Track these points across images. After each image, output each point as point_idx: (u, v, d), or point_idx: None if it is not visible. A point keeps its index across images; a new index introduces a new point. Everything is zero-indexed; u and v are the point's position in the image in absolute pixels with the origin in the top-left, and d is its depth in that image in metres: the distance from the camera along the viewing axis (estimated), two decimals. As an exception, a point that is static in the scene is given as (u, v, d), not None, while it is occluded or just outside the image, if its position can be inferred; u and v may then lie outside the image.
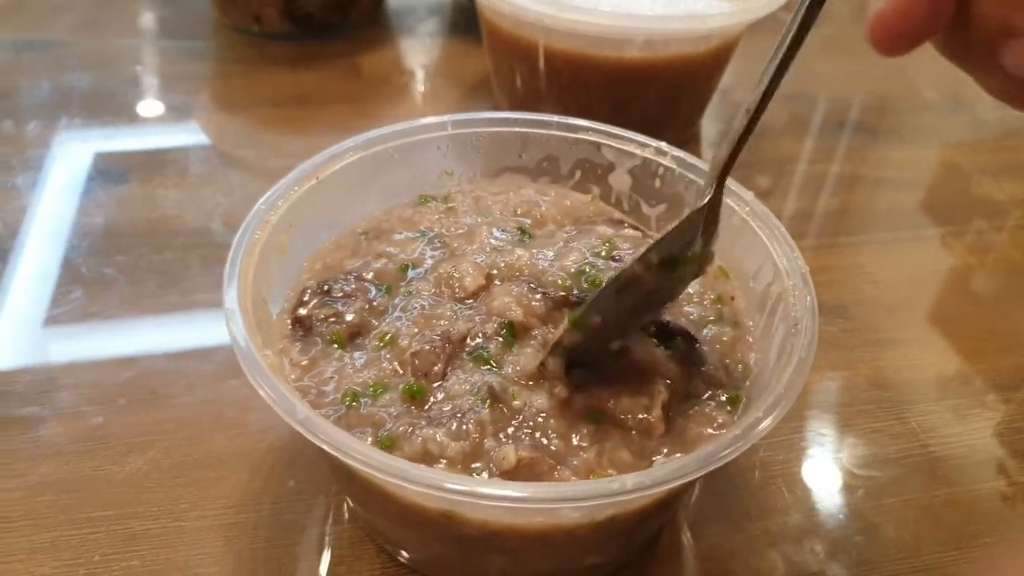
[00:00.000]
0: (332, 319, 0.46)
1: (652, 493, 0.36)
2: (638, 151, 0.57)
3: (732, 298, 0.51)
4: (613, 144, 0.58)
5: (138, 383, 0.57)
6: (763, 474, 0.55)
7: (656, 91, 0.81)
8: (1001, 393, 0.63)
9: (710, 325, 0.49)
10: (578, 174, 0.60)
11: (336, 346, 0.45)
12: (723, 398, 0.45)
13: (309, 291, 0.48)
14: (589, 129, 0.58)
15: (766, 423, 0.39)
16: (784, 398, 0.40)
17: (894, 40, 0.30)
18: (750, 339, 0.49)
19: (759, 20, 0.79)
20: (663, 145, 0.56)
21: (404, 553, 0.48)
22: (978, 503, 0.54)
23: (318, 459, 0.53)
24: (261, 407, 0.55)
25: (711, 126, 0.94)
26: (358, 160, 0.54)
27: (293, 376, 0.44)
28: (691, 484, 0.45)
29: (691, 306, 0.51)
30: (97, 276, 0.66)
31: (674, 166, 0.56)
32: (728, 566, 0.50)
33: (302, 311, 0.47)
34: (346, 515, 0.51)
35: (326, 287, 0.49)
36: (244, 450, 0.54)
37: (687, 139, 0.90)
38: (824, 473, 0.56)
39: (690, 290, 0.50)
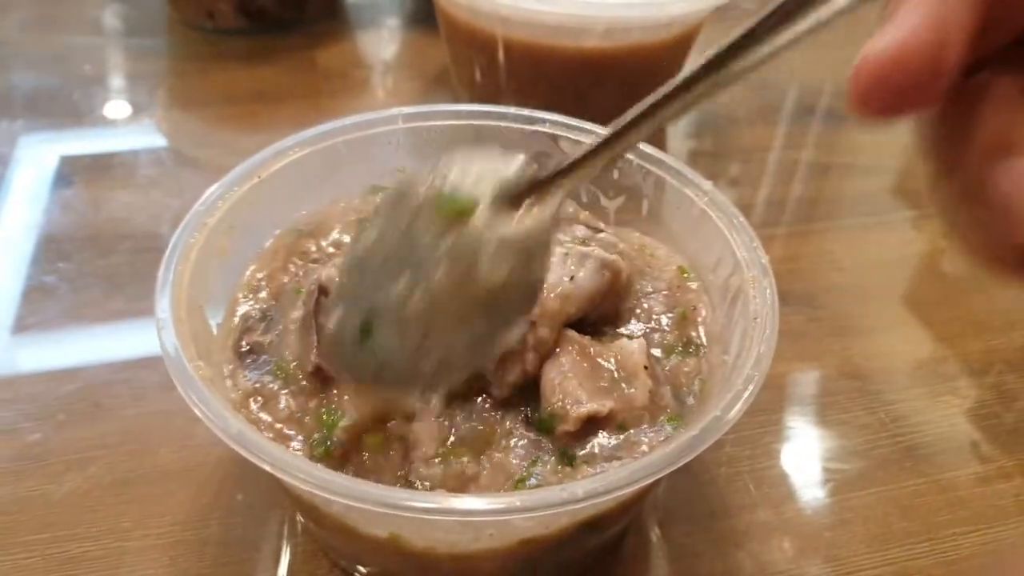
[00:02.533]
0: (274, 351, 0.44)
1: (606, 500, 0.34)
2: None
3: (695, 308, 0.49)
4: (570, 136, 0.56)
5: (80, 396, 0.55)
6: (729, 470, 0.54)
7: (617, 81, 0.79)
8: (970, 378, 0.62)
9: (673, 355, 0.46)
10: (535, 167, 0.58)
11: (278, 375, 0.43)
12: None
13: (251, 319, 0.46)
14: (545, 121, 0.56)
15: (725, 420, 0.37)
16: (743, 394, 0.38)
17: (878, 95, 0.23)
18: (706, 365, 0.46)
19: (721, 6, 0.77)
20: None
21: (361, 568, 0.46)
22: (948, 492, 0.53)
23: (268, 472, 0.51)
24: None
25: (676, 115, 0.92)
26: (304, 156, 0.52)
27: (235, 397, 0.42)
28: (652, 486, 0.44)
29: (656, 332, 0.48)
30: (38, 284, 0.63)
31: (632, 156, 0.54)
32: (695, 567, 0.49)
33: (243, 344, 0.45)
34: (299, 529, 0.49)
35: (269, 315, 0.46)
36: (191, 463, 0.51)
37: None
38: (792, 468, 0.55)
39: (656, 309, 0.48)
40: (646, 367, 0.42)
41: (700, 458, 0.54)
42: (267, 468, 0.35)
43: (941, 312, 0.68)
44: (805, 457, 0.56)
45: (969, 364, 0.63)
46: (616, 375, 0.42)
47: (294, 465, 0.35)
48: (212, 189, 0.47)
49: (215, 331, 0.45)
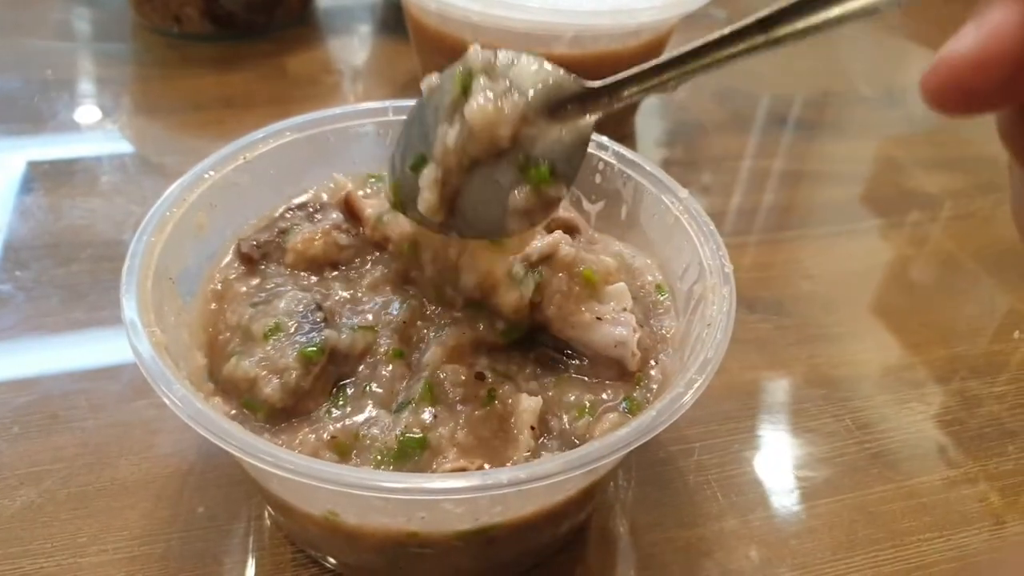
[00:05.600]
0: None
1: (529, 487, 0.34)
2: None
3: (655, 351, 0.47)
4: None
5: (35, 407, 0.53)
6: (697, 478, 0.54)
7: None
8: (936, 385, 0.63)
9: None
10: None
11: None
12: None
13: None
14: None
15: (659, 421, 0.36)
16: (680, 398, 0.37)
17: (955, 97, 0.23)
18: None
19: (690, 14, 0.78)
20: (604, 139, 0.55)
21: (331, 559, 0.46)
22: (913, 498, 0.54)
23: (230, 482, 0.50)
24: (170, 428, 0.53)
25: (645, 124, 0.93)
26: (292, 142, 0.52)
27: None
28: (592, 487, 0.44)
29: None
30: (-7, 293, 0.62)
31: (614, 161, 0.54)
32: (663, 577, 0.49)
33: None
34: (265, 537, 0.48)
35: None
36: (150, 476, 0.50)
37: (621, 137, 0.88)
38: (760, 476, 0.55)
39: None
40: (533, 427, 0.41)
41: (670, 466, 0.55)
42: (203, 432, 0.35)
43: (907, 320, 0.69)
44: (773, 465, 0.56)
45: (935, 371, 0.64)
46: (505, 427, 0.41)
47: (233, 435, 0.35)
48: (196, 167, 0.48)
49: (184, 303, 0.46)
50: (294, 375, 0.41)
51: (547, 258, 0.45)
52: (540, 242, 0.45)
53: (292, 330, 0.43)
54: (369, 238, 0.49)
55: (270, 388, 0.41)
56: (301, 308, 0.44)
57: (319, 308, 0.44)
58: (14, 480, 0.49)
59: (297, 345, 0.42)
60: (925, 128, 0.98)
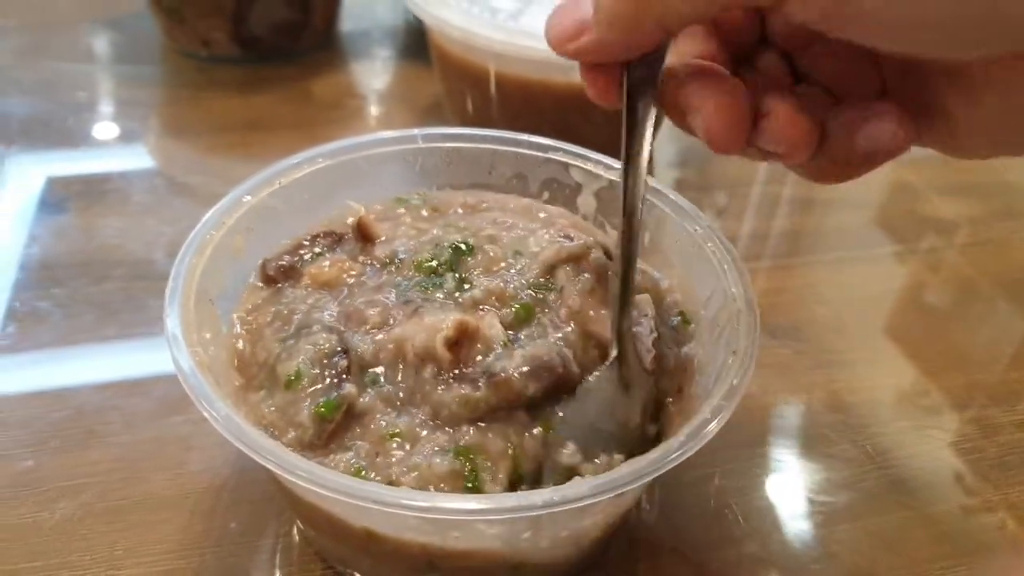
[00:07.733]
0: None
1: (561, 509, 0.35)
2: (604, 172, 0.57)
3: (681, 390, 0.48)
4: (580, 165, 0.57)
5: (72, 422, 0.55)
6: (718, 503, 0.54)
7: (605, 115, 0.80)
8: (953, 412, 0.63)
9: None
10: (546, 194, 0.59)
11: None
12: None
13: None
14: (558, 149, 0.58)
15: (686, 447, 0.37)
16: (707, 424, 0.38)
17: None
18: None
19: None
20: None
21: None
22: (933, 526, 0.54)
23: (262, 498, 0.51)
24: (203, 444, 0.54)
25: (663, 148, 0.94)
26: (325, 168, 0.54)
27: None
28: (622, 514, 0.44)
29: None
30: (31, 310, 0.63)
31: None
32: (685, 599, 0.49)
33: None
34: (295, 553, 0.49)
35: None
36: (184, 490, 0.51)
37: (640, 162, 0.89)
38: (780, 500, 0.55)
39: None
40: None
41: (690, 490, 0.55)
42: (245, 450, 0.36)
43: (924, 345, 0.70)
44: (793, 490, 0.56)
45: (953, 398, 0.65)
46: None
47: (273, 452, 0.36)
48: (234, 191, 0.50)
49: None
50: (308, 434, 0.41)
51: (575, 259, 0.46)
52: (571, 242, 0.46)
53: (313, 379, 0.42)
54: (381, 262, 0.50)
55: (285, 440, 0.41)
56: (326, 350, 0.43)
57: (344, 352, 0.43)
58: (53, 492, 0.50)
59: (314, 401, 0.42)
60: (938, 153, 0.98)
